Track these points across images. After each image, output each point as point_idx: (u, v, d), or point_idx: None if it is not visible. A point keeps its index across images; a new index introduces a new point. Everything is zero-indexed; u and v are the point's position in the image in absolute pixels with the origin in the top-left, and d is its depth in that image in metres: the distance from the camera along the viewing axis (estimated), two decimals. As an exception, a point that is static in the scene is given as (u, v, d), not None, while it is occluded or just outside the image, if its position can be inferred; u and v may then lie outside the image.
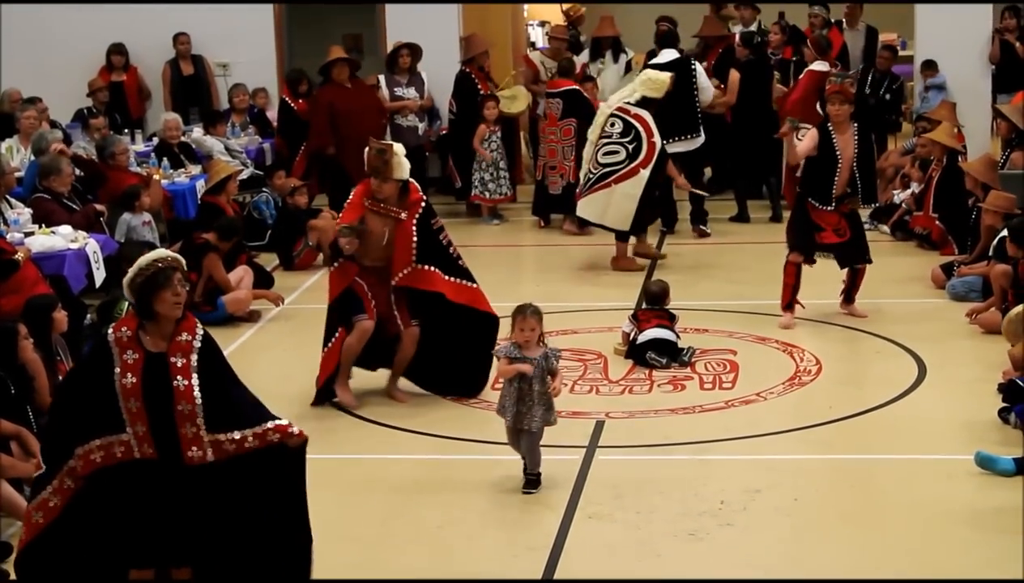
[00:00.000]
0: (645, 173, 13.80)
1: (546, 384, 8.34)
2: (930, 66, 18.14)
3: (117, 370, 6.30)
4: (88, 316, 11.41)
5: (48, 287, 10.66)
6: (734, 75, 16.36)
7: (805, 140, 11.81)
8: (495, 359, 8.86)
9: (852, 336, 11.60)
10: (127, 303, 10.08)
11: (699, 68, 15.43)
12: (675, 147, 14.63)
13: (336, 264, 10.06)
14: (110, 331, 6.38)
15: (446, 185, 18.16)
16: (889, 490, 8.46)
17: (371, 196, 9.91)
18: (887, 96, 18.42)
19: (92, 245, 11.91)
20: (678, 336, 11.13)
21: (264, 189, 15.51)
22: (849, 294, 12.12)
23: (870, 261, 12.02)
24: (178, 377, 6.33)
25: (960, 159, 14.64)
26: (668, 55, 15.46)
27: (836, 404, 10.02)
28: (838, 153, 11.60)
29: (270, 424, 6.49)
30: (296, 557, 6.69)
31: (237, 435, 6.40)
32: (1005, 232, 11.64)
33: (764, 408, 10.02)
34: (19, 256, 10.71)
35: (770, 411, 9.94)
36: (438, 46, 17.95)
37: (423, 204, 10.00)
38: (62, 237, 11.77)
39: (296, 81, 17.18)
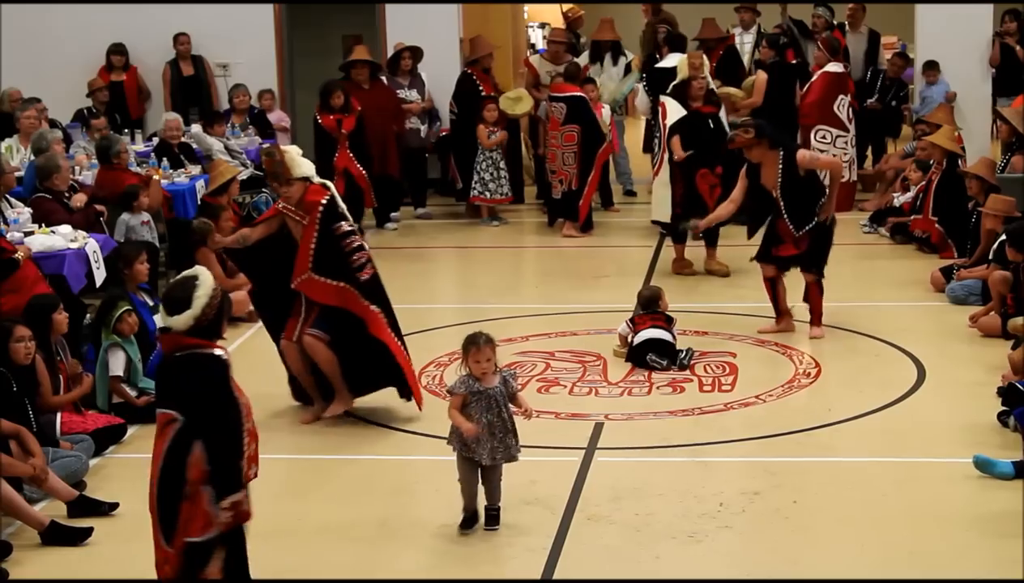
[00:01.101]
0: (666, 157, 13.98)
1: (509, 409, 7.87)
2: (932, 67, 18.14)
3: (235, 393, 6.28)
4: (88, 316, 11.42)
5: (48, 287, 10.64)
6: (761, 76, 16.45)
7: (739, 181, 11.72)
8: (448, 395, 8.06)
9: (851, 339, 11.60)
10: (126, 306, 10.17)
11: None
12: None
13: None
14: (221, 353, 6.26)
15: (445, 186, 18.18)
16: (888, 493, 8.46)
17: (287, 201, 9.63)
18: (893, 102, 18.44)
19: (92, 245, 11.89)
20: (675, 337, 11.13)
21: (264, 190, 15.50)
22: (811, 319, 11.71)
23: (816, 274, 11.54)
24: (241, 394, 6.39)
25: (960, 163, 14.64)
26: (674, 59, 15.44)
27: (835, 407, 10.03)
28: (765, 185, 11.47)
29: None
30: None
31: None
32: (1004, 237, 11.65)
33: (763, 410, 10.02)
34: (19, 255, 10.69)
35: (769, 413, 9.95)
36: (438, 47, 17.98)
37: (321, 206, 9.48)
38: (62, 237, 11.75)
39: (328, 93, 15.99)
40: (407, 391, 9.84)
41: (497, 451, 7.82)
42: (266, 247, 9.73)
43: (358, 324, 9.57)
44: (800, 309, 11.85)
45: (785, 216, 11.44)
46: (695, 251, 14.09)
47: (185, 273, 6.29)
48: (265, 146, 9.78)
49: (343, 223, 9.55)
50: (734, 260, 13.75)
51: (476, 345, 7.80)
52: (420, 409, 9.78)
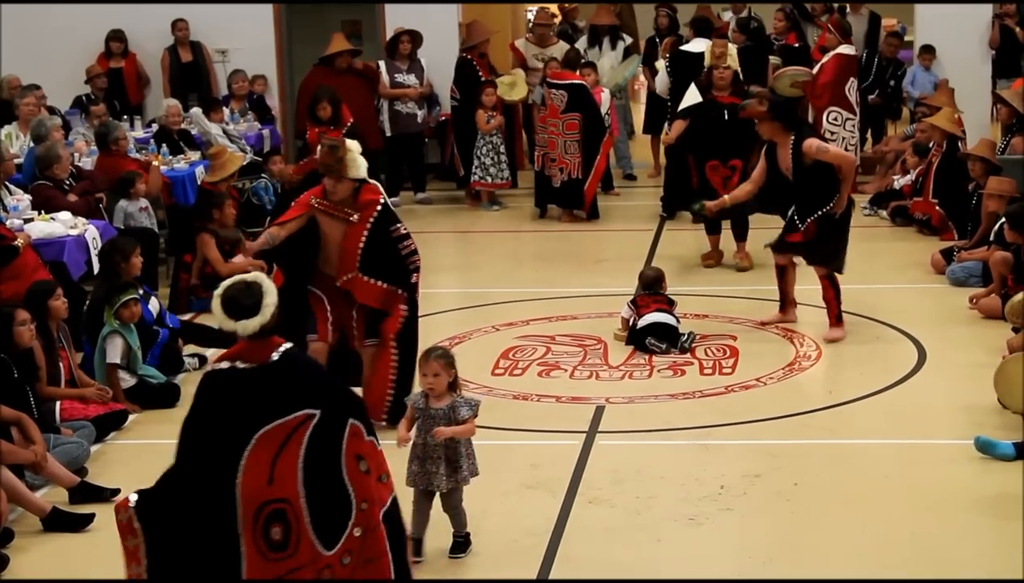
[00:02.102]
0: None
1: (454, 439, 7.29)
2: (928, 51, 18.11)
3: None
4: (88, 302, 11.41)
5: (48, 273, 10.66)
6: None
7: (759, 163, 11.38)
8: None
9: (852, 321, 11.59)
10: (134, 294, 10.16)
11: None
12: None
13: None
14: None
15: (444, 171, 18.17)
16: (889, 475, 8.46)
17: (324, 196, 9.18)
18: (892, 82, 18.41)
19: (91, 231, 11.89)
20: (678, 320, 11.13)
21: (263, 175, 15.49)
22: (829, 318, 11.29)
23: (823, 268, 11.18)
24: None
25: (960, 145, 14.63)
26: (700, 45, 15.37)
27: (836, 389, 10.04)
28: (780, 165, 11.10)
29: None
30: None
31: None
32: (1004, 218, 11.65)
33: (764, 393, 10.02)
34: (19, 242, 10.70)
35: (770, 396, 9.95)
36: (437, 32, 17.95)
37: (379, 207, 9.14)
38: (61, 223, 11.75)
39: (315, 103, 15.29)
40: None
41: (417, 476, 7.30)
42: (290, 243, 9.33)
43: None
44: (802, 294, 11.83)
45: (793, 204, 11.17)
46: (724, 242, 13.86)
47: (244, 278, 5.88)
48: (329, 138, 9.40)
49: (400, 225, 9.26)
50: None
51: (426, 359, 7.41)
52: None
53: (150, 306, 10.74)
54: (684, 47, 15.58)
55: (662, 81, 15.74)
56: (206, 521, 5.65)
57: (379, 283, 9.15)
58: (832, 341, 11.06)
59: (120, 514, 5.80)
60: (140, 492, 5.83)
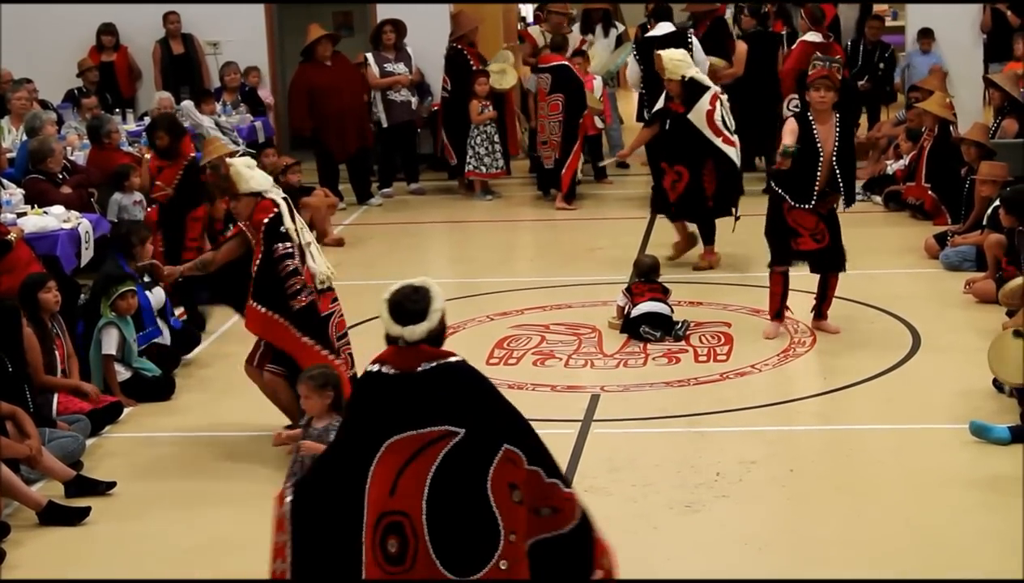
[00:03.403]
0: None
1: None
2: (927, 35, 18.09)
3: None
4: (82, 296, 11.41)
5: (42, 267, 10.65)
6: (741, 46, 16.39)
7: (784, 133, 10.63)
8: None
9: (846, 307, 11.60)
10: (131, 286, 10.15)
11: (696, 42, 15.39)
12: None
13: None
14: (464, 360, 5.84)
15: (437, 162, 18.16)
16: (884, 460, 8.48)
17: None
18: (881, 65, 18.40)
19: (85, 225, 11.89)
20: (672, 309, 11.13)
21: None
22: (820, 309, 11.08)
23: (844, 269, 11.00)
24: None
25: (951, 129, 14.63)
26: (664, 28, 15.41)
27: (830, 375, 10.04)
28: (819, 145, 10.46)
29: None
30: None
31: None
32: (998, 202, 11.65)
33: (759, 380, 10.02)
34: (12, 236, 10.69)
35: (765, 383, 9.96)
36: (429, 22, 17.93)
37: (264, 225, 8.48)
38: (54, 217, 11.75)
39: (151, 131, 13.27)
40: None
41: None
42: (235, 269, 8.79)
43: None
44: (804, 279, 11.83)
45: (841, 185, 10.59)
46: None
47: (412, 282, 5.75)
48: (213, 158, 9.13)
49: (280, 244, 8.49)
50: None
51: (300, 380, 7.30)
52: None
53: (153, 297, 10.72)
54: (649, 34, 15.58)
55: (633, 72, 15.70)
56: (340, 524, 5.49)
57: (260, 309, 8.52)
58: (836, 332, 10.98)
59: (277, 509, 5.63)
60: (296, 485, 5.66)
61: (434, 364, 5.58)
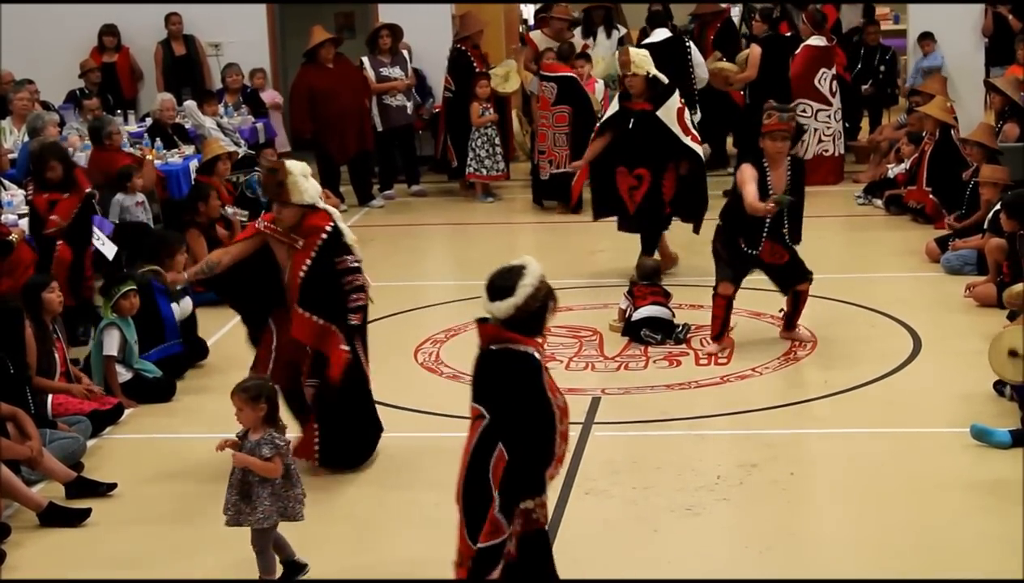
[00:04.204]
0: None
1: (249, 471, 6.93)
2: (928, 37, 18.09)
3: (549, 395, 5.84)
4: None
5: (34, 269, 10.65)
6: (755, 50, 16.39)
7: (746, 181, 10.37)
8: None
9: (847, 310, 11.61)
10: (132, 285, 10.15)
11: (693, 46, 15.40)
12: None
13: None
14: (534, 351, 5.82)
15: (438, 164, 18.16)
16: (885, 463, 8.47)
17: (274, 220, 8.49)
18: (882, 68, 18.40)
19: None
20: (673, 313, 11.14)
21: (257, 169, 15.49)
22: (791, 320, 10.90)
23: (810, 277, 10.75)
24: (558, 395, 5.95)
25: (952, 133, 14.64)
26: (660, 34, 15.42)
27: (831, 378, 10.04)
28: (771, 191, 10.35)
29: None
30: None
31: None
32: (999, 206, 11.66)
33: (759, 383, 10.03)
34: (13, 238, 10.70)
35: (765, 386, 9.96)
36: (430, 24, 17.96)
37: (324, 235, 8.34)
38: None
39: (41, 163, 11.64)
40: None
41: (227, 509, 6.99)
42: (241, 269, 8.63)
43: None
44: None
45: (786, 226, 10.51)
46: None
47: (513, 262, 5.88)
48: (272, 161, 8.81)
49: (348, 257, 8.46)
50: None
51: (232, 391, 7.08)
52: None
53: (179, 308, 10.70)
54: (646, 41, 15.60)
55: None
56: None
57: (313, 318, 8.34)
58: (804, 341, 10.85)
59: None
60: None
61: (499, 347, 5.74)
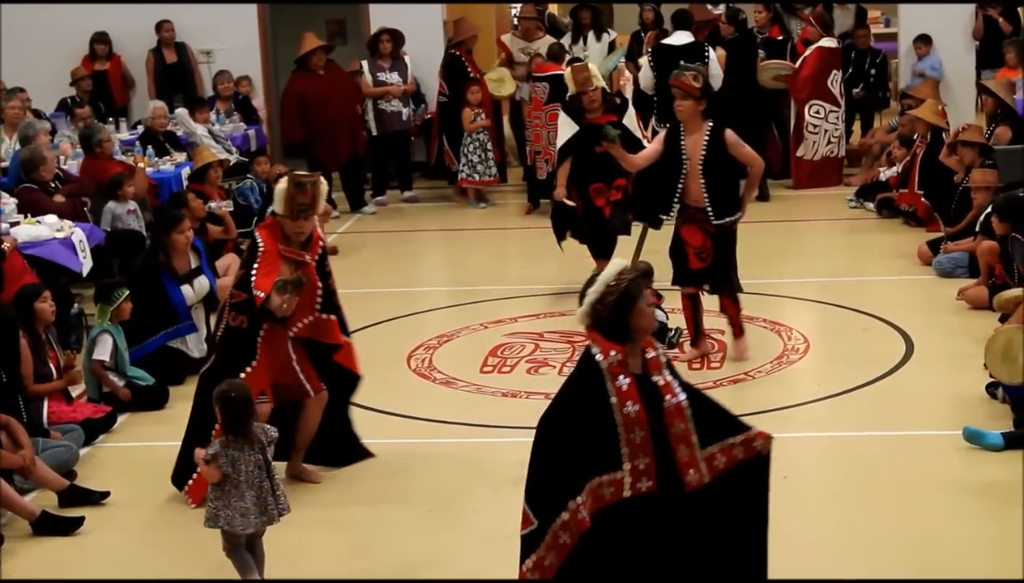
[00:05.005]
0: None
1: None
2: (923, 40, 18.09)
3: (614, 400, 5.58)
4: (75, 305, 11.42)
5: (35, 277, 10.64)
6: (720, 53, 16.37)
7: (652, 144, 10.33)
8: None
9: (839, 314, 11.62)
10: (128, 291, 10.15)
11: (712, 55, 15.35)
12: None
13: (262, 333, 8.25)
14: (599, 355, 5.62)
15: (431, 169, 18.18)
16: (878, 466, 8.48)
17: (283, 240, 8.28)
18: (873, 71, 18.42)
19: (78, 234, 11.89)
20: (667, 316, 11.14)
21: (249, 175, 15.50)
22: (734, 332, 10.71)
23: (732, 290, 10.54)
24: (667, 396, 5.68)
25: (944, 136, 14.66)
26: (682, 37, 15.37)
27: (824, 382, 10.05)
28: (684, 156, 10.21)
29: (754, 430, 5.89)
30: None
31: (724, 447, 5.77)
32: (990, 209, 11.68)
33: (752, 387, 10.03)
34: (5, 246, 10.68)
35: (758, 390, 9.96)
36: (422, 30, 17.93)
37: (322, 243, 8.54)
38: (47, 226, 11.75)
39: None
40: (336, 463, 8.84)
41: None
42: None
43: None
44: (788, 287, 11.85)
45: (706, 196, 10.21)
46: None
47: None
48: (300, 175, 8.30)
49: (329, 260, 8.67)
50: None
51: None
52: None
53: (196, 288, 10.72)
54: (666, 41, 15.61)
55: (646, 76, 15.74)
56: None
57: (333, 318, 8.52)
58: (741, 359, 10.58)
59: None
60: None
61: (584, 352, 5.68)
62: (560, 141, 12.39)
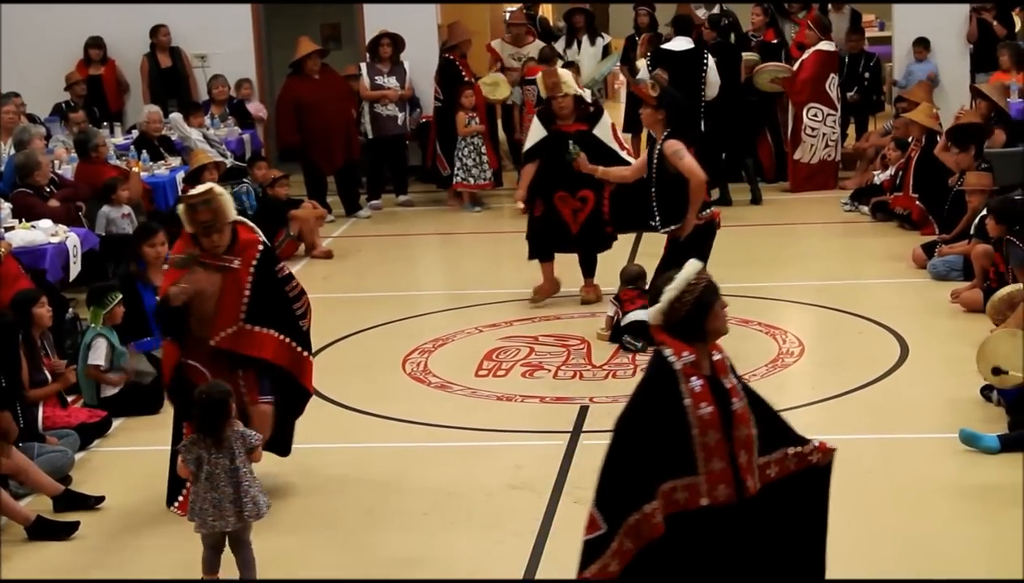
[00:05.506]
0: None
1: None
2: (921, 44, 18.09)
3: (687, 401, 5.44)
4: (70, 310, 11.40)
5: (30, 282, 10.64)
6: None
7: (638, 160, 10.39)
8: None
9: (834, 317, 11.62)
10: (120, 294, 10.15)
11: (711, 62, 15.35)
12: None
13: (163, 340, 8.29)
14: (672, 356, 5.50)
15: (427, 173, 18.19)
16: (874, 469, 8.48)
17: (201, 249, 8.03)
18: (867, 75, 18.43)
19: (72, 239, 11.89)
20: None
21: (244, 180, 15.48)
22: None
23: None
24: (734, 400, 5.59)
25: (938, 139, 14.67)
26: (682, 43, 15.38)
27: (819, 385, 10.05)
28: (653, 165, 10.44)
29: (811, 445, 5.83)
30: None
31: (778, 458, 5.71)
32: (985, 211, 11.69)
33: (747, 390, 10.01)
34: (1, 251, 10.67)
35: (753, 393, 9.94)
36: (416, 34, 17.94)
37: (260, 247, 8.10)
38: (42, 231, 11.74)
39: None
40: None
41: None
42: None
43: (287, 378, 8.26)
44: (786, 291, 11.83)
45: (655, 203, 10.41)
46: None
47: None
48: (192, 195, 7.99)
49: (284, 265, 8.33)
50: (721, 239, 13.68)
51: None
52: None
53: None
54: (665, 45, 15.61)
55: (644, 80, 15.71)
56: None
57: (270, 332, 8.05)
58: None
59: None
60: None
61: (654, 349, 5.56)
62: (527, 144, 12.40)
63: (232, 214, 8.00)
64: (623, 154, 12.16)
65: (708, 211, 10.47)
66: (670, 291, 5.51)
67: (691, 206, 10.30)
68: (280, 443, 8.40)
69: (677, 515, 5.39)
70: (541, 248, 12.41)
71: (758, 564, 5.59)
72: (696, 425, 5.42)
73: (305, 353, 8.27)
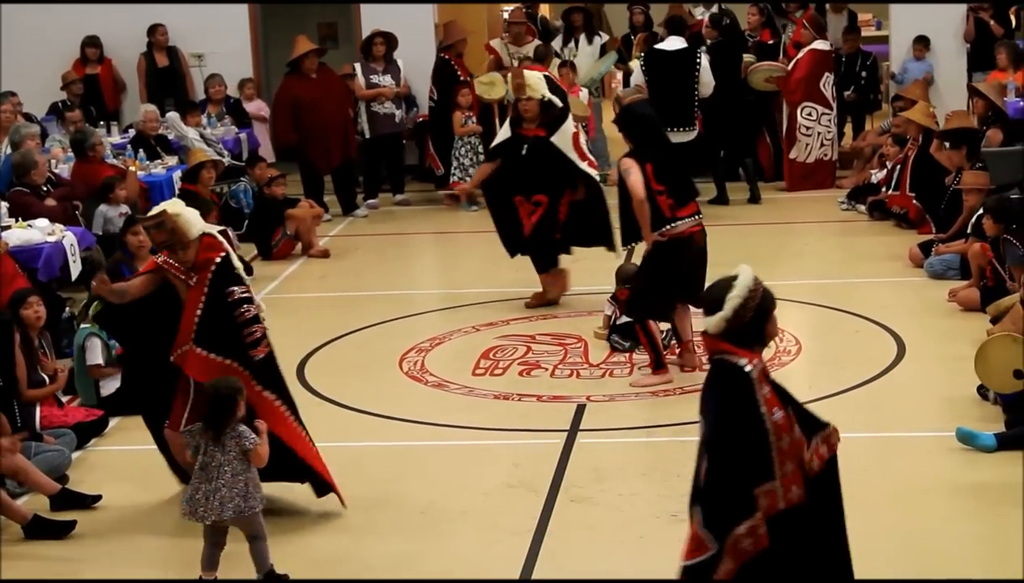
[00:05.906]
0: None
1: None
2: (921, 43, 18.08)
3: (763, 409, 5.45)
4: (67, 309, 11.40)
5: (27, 281, 10.63)
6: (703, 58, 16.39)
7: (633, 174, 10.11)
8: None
9: (831, 316, 11.62)
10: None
11: (704, 62, 15.35)
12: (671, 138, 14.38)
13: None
14: (747, 365, 5.47)
15: (423, 173, 18.18)
16: (870, 468, 8.47)
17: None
18: (863, 74, 18.44)
19: (69, 238, 11.88)
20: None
21: (242, 178, 15.49)
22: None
23: (631, 314, 10.42)
24: (775, 409, 5.53)
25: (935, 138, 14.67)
26: (675, 43, 15.37)
27: (816, 384, 10.04)
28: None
29: (830, 426, 5.83)
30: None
31: (814, 447, 5.70)
32: (982, 210, 11.69)
33: (744, 389, 10.00)
34: (-2, 250, 10.68)
35: (750, 392, 9.93)
36: (413, 33, 17.94)
37: (215, 265, 7.73)
38: (39, 230, 11.73)
39: None
40: (322, 486, 8.09)
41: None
42: (144, 308, 8.03)
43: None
44: (786, 290, 11.80)
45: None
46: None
47: (730, 274, 5.68)
48: (146, 217, 7.92)
49: (236, 288, 7.78)
50: (719, 239, 13.67)
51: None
52: (344, 505, 8.10)
53: None
54: (659, 45, 15.61)
55: (637, 80, 15.73)
56: None
57: (211, 356, 7.70)
58: (645, 386, 10.16)
59: None
60: None
61: (717, 358, 5.54)
62: (493, 142, 12.45)
63: (195, 230, 7.74)
64: (582, 165, 12.02)
65: (675, 227, 10.11)
66: (734, 299, 5.52)
67: (641, 224, 10.08)
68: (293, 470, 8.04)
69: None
70: (511, 248, 12.44)
71: (812, 557, 5.66)
72: (772, 431, 5.47)
73: (258, 387, 7.72)
